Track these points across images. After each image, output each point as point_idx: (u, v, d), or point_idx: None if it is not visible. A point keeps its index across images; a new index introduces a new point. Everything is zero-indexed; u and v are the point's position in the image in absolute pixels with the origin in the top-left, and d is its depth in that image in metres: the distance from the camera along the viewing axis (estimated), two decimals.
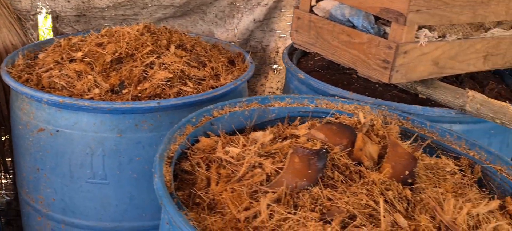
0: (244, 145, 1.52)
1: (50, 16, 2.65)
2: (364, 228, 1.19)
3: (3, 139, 2.67)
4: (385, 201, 1.30)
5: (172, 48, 2.20)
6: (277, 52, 3.07)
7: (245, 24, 2.93)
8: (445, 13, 1.86)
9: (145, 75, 2.02)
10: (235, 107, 1.76)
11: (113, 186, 1.94)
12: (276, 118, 1.82)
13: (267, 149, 1.49)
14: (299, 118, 1.81)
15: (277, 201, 1.26)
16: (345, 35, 1.97)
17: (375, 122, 1.66)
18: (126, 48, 2.06)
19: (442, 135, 1.71)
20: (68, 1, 2.56)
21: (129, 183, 1.94)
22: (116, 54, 2.03)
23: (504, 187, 1.51)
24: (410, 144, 1.65)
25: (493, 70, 2.50)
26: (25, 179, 2.11)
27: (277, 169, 1.37)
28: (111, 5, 2.63)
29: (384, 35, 1.88)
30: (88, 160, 1.90)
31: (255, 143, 1.51)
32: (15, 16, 2.50)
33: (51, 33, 2.73)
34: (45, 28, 4.42)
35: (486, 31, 2.09)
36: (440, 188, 1.42)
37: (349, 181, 1.36)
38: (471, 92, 1.83)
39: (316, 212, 1.23)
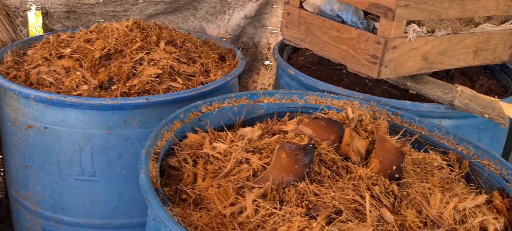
0: (232, 141, 1.51)
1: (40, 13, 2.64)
2: (350, 223, 1.19)
3: None
4: (372, 196, 1.29)
5: (162, 44, 2.19)
6: (269, 48, 3.07)
7: (236, 20, 2.93)
8: (434, 8, 1.86)
9: (134, 71, 2.01)
10: (224, 103, 1.76)
11: (102, 182, 1.94)
12: (265, 114, 1.81)
13: (254, 144, 1.49)
14: (288, 113, 1.81)
15: (263, 196, 1.25)
16: (335, 30, 1.97)
17: (363, 117, 1.66)
18: (115, 44, 2.05)
19: (430, 130, 1.71)
20: None
21: (118, 180, 1.93)
22: (105, 50, 2.02)
23: (491, 182, 1.52)
24: (398, 139, 1.64)
25: (484, 66, 2.50)
26: (14, 176, 2.10)
27: (264, 165, 1.37)
28: (101, 1, 2.61)
29: (373, 31, 1.88)
30: (76, 157, 1.89)
31: (243, 139, 1.51)
32: (4, 12, 2.49)
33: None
34: (37, 25, 4.40)
35: (475, 26, 2.09)
36: (427, 182, 1.42)
37: (336, 176, 1.35)
38: (460, 88, 1.83)
39: (302, 207, 1.22)
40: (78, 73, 1.94)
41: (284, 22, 2.21)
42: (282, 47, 2.49)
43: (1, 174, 2.76)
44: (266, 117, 1.80)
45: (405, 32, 1.83)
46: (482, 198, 1.37)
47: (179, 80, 2.04)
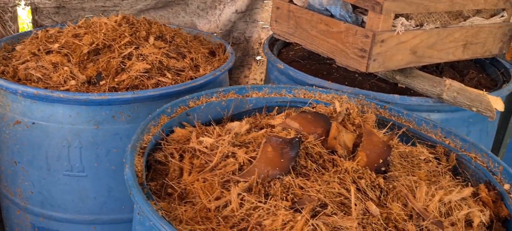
0: (219, 135, 1.51)
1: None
2: (335, 216, 1.19)
3: None
4: (358, 189, 1.29)
5: (151, 39, 2.18)
6: (260, 43, 3.06)
7: (227, 15, 2.92)
8: (422, 1, 1.86)
9: (123, 66, 2.00)
10: (212, 97, 1.75)
11: (91, 178, 1.93)
12: (254, 108, 1.81)
13: (241, 138, 1.48)
14: (277, 108, 1.81)
15: (248, 190, 1.25)
16: (323, 24, 1.96)
17: (351, 111, 1.65)
18: (103, 39, 2.04)
19: (418, 124, 1.71)
20: None
21: (107, 175, 1.93)
22: (93, 45, 2.01)
23: (478, 175, 1.52)
24: (386, 132, 1.64)
25: (474, 60, 2.51)
26: (3, 172, 2.09)
27: (250, 159, 1.36)
28: None
29: (362, 24, 1.88)
30: (65, 153, 1.88)
31: (230, 133, 1.50)
32: None
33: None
34: (28, 21, 4.38)
35: (464, 20, 2.09)
36: (414, 176, 1.42)
37: (322, 169, 1.35)
38: (448, 81, 1.83)
39: (287, 201, 1.22)
40: (66, 68, 1.93)
41: (273, 17, 2.21)
42: (273, 42, 2.49)
43: None
44: (255, 111, 1.80)
45: (393, 26, 1.83)
46: (468, 191, 1.37)
47: (168, 75, 2.03)
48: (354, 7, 1.92)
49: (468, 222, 1.30)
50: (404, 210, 1.27)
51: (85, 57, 2.01)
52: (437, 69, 2.34)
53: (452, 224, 1.27)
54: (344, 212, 1.22)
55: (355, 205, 1.23)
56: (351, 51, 1.86)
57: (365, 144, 1.47)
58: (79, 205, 1.98)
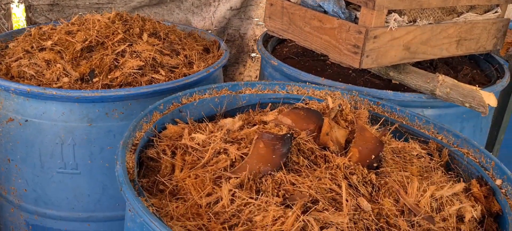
0: (211, 132, 1.51)
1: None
2: (326, 212, 1.19)
3: None
4: (349, 185, 1.30)
5: (145, 36, 2.18)
6: (255, 40, 3.06)
7: (221, 12, 2.92)
8: None
9: (116, 63, 2.00)
10: (205, 94, 1.75)
11: (85, 175, 1.92)
12: (247, 105, 1.81)
13: (233, 135, 1.48)
14: (270, 104, 1.81)
15: (240, 186, 1.25)
16: (317, 20, 1.96)
17: (344, 107, 1.65)
18: (97, 36, 2.03)
19: (411, 120, 1.71)
20: None
21: (101, 173, 1.92)
22: (86, 42, 2.01)
23: (470, 170, 1.52)
24: (379, 128, 1.64)
25: (469, 56, 2.51)
26: None
27: (242, 155, 1.37)
28: None
29: (355, 20, 1.87)
30: (58, 150, 1.88)
31: (222, 130, 1.50)
32: None
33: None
34: (24, 19, 4.37)
35: (458, 16, 2.09)
36: (406, 171, 1.42)
37: (313, 165, 1.35)
38: (441, 77, 1.83)
39: (279, 197, 1.22)
40: (59, 65, 1.93)
41: (267, 13, 2.21)
42: (267, 38, 2.49)
43: None
44: (248, 108, 1.80)
45: (386, 22, 1.82)
46: (459, 186, 1.37)
47: (162, 72, 2.03)
48: (347, 3, 1.92)
49: (460, 218, 1.30)
50: (396, 205, 1.28)
51: (78, 54, 2.00)
52: (431, 66, 2.34)
53: (444, 220, 1.27)
54: (335, 208, 1.22)
55: (347, 200, 1.23)
56: (344, 47, 1.86)
57: (358, 140, 1.47)
58: (73, 202, 1.97)
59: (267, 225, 1.13)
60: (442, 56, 2.11)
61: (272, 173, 1.28)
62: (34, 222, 2.07)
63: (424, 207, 1.27)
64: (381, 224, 1.21)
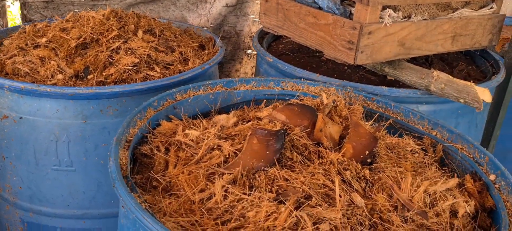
0: (205, 128, 1.51)
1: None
2: (319, 207, 1.19)
3: None
4: (343, 181, 1.29)
5: (140, 33, 2.17)
6: (251, 37, 3.06)
7: (217, 9, 2.91)
8: None
9: (111, 60, 1.99)
10: (199, 91, 1.75)
11: (79, 173, 1.92)
12: (242, 101, 1.81)
13: (227, 131, 1.48)
14: (265, 100, 1.80)
15: (233, 182, 1.25)
16: (311, 16, 1.96)
17: (338, 103, 1.65)
18: (91, 33, 2.03)
19: (406, 115, 1.71)
20: None
21: (96, 170, 1.92)
22: (81, 39, 2.00)
23: (464, 166, 1.52)
24: (373, 124, 1.64)
25: (464, 52, 2.51)
26: None
27: (236, 151, 1.36)
28: None
29: (350, 16, 1.87)
30: (53, 147, 1.88)
31: (216, 126, 1.50)
32: None
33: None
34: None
35: (453, 11, 2.09)
36: (400, 167, 1.42)
37: (307, 161, 1.35)
38: (436, 72, 1.83)
39: (272, 193, 1.22)
40: (53, 62, 1.93)
41: (262, 10, 2.20)
42: (262, 35, 2.48)
43: None
44: (243, 104, 1.79)
45: (381, 18, 1.82)
46: (453, 182, 1.37)
47: (157, 69, 2.03)
48: None
49: (453, 213, 1.30)
50: (389, 201, 1.28)
51: (73, 51, 2.00)
52: (427, 62, 2.34)
53: (437, 215, 1.27)
54: (328, 203, 1.22)
55: (340, 196, 1.23)
56: (338, 43, 1.86)
57: (352, 136, 1.47)
58: (68, 199, 1.97)
59: (260, 221, 1.13)
60: (437, 52, 2.11)
61: (266, 168, 1.28)
62: (29, 219, 2.07)
63: (418, 202, 1.27)
64: (375, 219, 1.21)
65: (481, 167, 1.46)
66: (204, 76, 2.10)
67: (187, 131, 1.48)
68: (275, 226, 1.12)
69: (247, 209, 1.16)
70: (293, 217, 1.13)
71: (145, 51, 2.04)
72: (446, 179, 1.39)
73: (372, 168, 1.38)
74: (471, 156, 1.51)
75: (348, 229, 1.16)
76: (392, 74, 2.00)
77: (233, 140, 1.43)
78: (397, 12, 1.87)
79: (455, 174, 1.50)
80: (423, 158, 1.52)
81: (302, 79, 1.86)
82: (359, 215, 1.21)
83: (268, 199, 1.19)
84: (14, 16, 4.74)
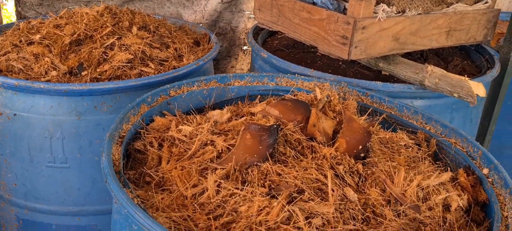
0: (199, 124, 1.51)
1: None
2: (311, 202, 1.19)
3: None
4: (336, 175, 1.30)
5: (134, 29, 2.17)
6: (247, 33, 3.05)
7: (213, 5, 2.91)
8: None
9: (105, 57, 1.99)
10: (193, 86, 1.75)
11: (74, 169, 1.92)
12: (236, 97, 1.81)
13: (221, 126, 1.48)
14: (259, 96, 1.80)
15: (226, 177, 1.25)
16: (305, 12, 1.96)
17: (332, 98, 1.65)
18: (85, 29, 2.02)
19: (400, 110, 1.71)
20: None
21: (90, 166, 1.92)
22: (75, 35, 2.00)
23: (458, 160, 1.52)
24: (367, 119, 1.64)
25: (459, 47, 2.51)
26: None
27: (229, 146, 1.36)
28: None
29: (344, 11, 1.87)
30: (47, 144, 1.87)
31: (209, 121, 1.50)
32: None
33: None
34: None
35: (447, 6, 2.09)
36: (393, 161, 1.42)
37: (300, 156, 1.35)
38: (430, 67, 1.83)
39: (264, 187, 1.22)
40: (47, 59, 1.92)
41: (256, 5, 2.20)
42: (258, 31, 2.48)
43: None
44: (237, 100, 1.79)
45: (375, 12, 1.82)
46: (446, 176, 1.37)
47: (151, 65, 2.03)
48: None
49: (446, 206, 1.31)
50: (382, 195, 1.28)
51: (67, 48, 2.00)
52: (422, 57, 2.34)
53: (430, 209, 1.27)
54: (321, 198, 1.22)
55: (333, 190, 1.23)
56: (333, 38, 1.86)
57: (345, 131, 1.47)
58: (63, 196, 1.97)
59: (252, 215, 1.13)
60: (431, 47, 2.11)
61: (259, 163, 1.28)
62: (25, 216, 2.07)
63: (410, 196, 1.27)
64: (367, 214, 1.22)
65: (475, 161, 1.47)
66: (198, 73, 2.10)
67: (180, 127, 1.47)
68: (267, 221, 1.12)
69: (239, 204, 1.16)
70: (286, 211, 1.14)
71: (139, 48, 2.04)
72: (439, 173, 1.39)
73: (365, 163, 1.39)
74: (465, 150, 1.52)
75: (341, 224, 1.16)
76: (386, 69, 2.00)
77: (226, 135, 1.43)
78: (391, 6, 1.86)
79: (449, 168, 1.50)
80: (417, 153, 1.53)
81: (296, 75, 1.86)
82: (352, 209, 1.21)
83: (260, 194, 1.19)
84: (10, 13, 4.74)
